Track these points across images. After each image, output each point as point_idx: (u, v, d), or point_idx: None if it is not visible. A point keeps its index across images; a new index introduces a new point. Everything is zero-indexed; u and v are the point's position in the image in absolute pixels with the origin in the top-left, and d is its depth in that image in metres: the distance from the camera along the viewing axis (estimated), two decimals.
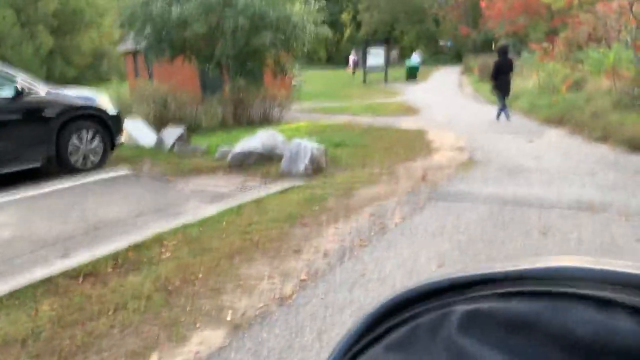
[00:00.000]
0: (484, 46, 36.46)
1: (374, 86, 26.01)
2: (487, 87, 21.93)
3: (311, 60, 54.64)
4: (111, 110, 7.78)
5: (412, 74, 27.82)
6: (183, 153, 8.70)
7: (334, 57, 54.12)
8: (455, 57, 41.17)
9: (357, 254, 3.94)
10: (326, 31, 13.53)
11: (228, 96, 13.12)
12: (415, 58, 28.18)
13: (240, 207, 5.23)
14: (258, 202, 5.51)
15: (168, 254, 4.03)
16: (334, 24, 55.25)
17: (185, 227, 4.63)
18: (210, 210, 5.29)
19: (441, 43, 44.40)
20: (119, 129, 7.92)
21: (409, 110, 15.63)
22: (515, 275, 0.30)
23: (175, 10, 11.59)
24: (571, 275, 0.29)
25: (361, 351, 0.31)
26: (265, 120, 13.56)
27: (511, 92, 12.25)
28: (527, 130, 10.75)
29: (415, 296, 0.32)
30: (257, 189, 6.61)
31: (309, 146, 7.31)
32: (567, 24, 14.32)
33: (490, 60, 26.01)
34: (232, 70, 12.73)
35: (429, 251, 3.89)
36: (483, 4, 29.11)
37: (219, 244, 4.17)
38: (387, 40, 28.65)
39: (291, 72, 13.83)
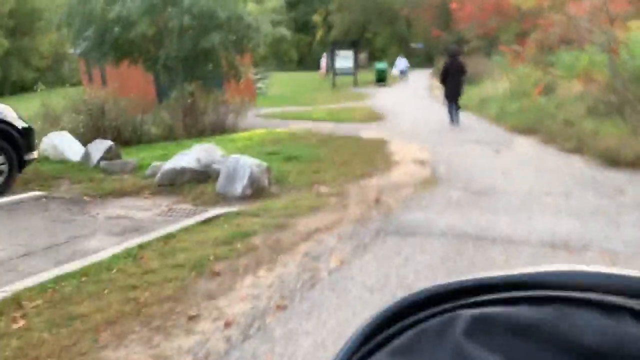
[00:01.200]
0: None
1: (343, 90, 25.15)
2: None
3: (282, 62, 53.80)
4: (19, 123, 6.70)
5: (381, 78, 27.03)
6: (111, 169, 7.64)
7: (306, 60, 53.27)
8: (427, 59, 40.60)
9: (270, 323, 2.99)
10: (284, 32, 12.56)
11: (176, 103, 12.06)
12: (401, 64, 27.44)
13: (142, 247, 4.23)
14: (168, 239, 4.52)
15: (20, 324, 3.03)
16: (306, 25, 54.43)
17: (61, 278, 3.62)
18: (108, 250, 4.28)
19: (413, 45, 43.78)
20: (31, 145, 6.84)
21: (375, 116, 14.78)
22: (521, 280, 0.30)
23: (115, 9, 10.50)
24: (577, 281, 0.28)
25: (367, 355, 0.30)
26: (220, 129, 12.54)
27: (462, 95, 11.88)
28: (495, 139, 9.95)
29: (421, 301, 0.31)
30: (183, 217, 5.62)
31: (247, 163, 6.34)
32: (538, 25, 13.64)
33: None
34: (180, 74, 11.67)
35: (360, 318, 2.97)
36: (454, 6, 28.49)
37: (92, 307, 3.17)
38: (355, 42, 27.78)
39: (247, 75, 12.80)
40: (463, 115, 13.72)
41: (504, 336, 0.27)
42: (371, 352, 0.30)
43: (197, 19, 10.64)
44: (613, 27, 9.43)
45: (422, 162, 8.03)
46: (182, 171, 6.83)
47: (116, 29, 11.30)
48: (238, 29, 11.26)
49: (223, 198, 6.35)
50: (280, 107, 18.82)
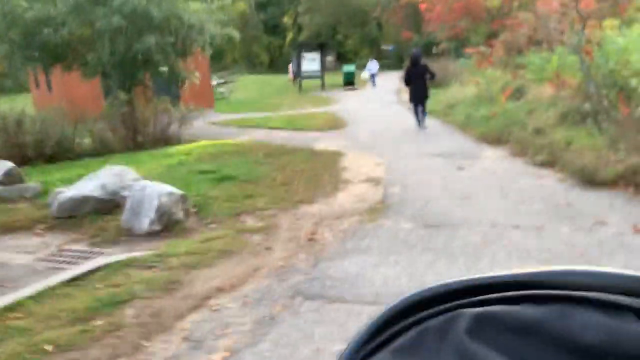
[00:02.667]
0: (426, 50, 35.12)
1: (309, 94, 24.02)
2: None
3: (253, 65, 52.48)
4: None
5: (349, 81, 25.94)
6: (8, 196, 6.40)
7: (277, 62, 52.00)
8: (398, 61, 39.70)
9: None
10: (233, 33, 11.38)
11: (111, 112, 10.79)
12: (373, 66, 26.36)
13: None
14: (10, 310, 3.32)
15: None
16: (276, 27, 53.15)
17: None
18: None
19: (383, 47, 42.88)
20: None
21: (336, 123, 13.68)
22: (524, 280, 0.29)
23: (37, 8, 9.21)
24: (579, 280, 0.28)
25: (370, 354, 0.30)
26: (162, 141, 11.30)
27: (428, 99, 11.41)
28: (461, 150, 8.92)
29: (424, 300, 0.31)
30: (69, 263, 4.45)
31: (155, 193, 5.17)
32: (507, 26, 12.71)
33: (429, 64, 24.60)
34: (115, 80, 10.41)
35: None
36: (423, 7, 27.58)
37: None
38: (322, 44, 26.62)
39: (193, 80, 11.60)
40: (431, 122, 12.77)
41: (507, 335, 0.27)
42: (374, 351, 0.30)
43: (129, 19, 9.41)
44: (585, 27, 8.49)
45: (375, 181, 6.95)
46: (84, 200, 5.63)
47: (45, 31, 10.00)
48: (178, 30, 10.05)
49: (128, 234, 5.18)
50: (240, 114, 17.62)
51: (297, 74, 25.71)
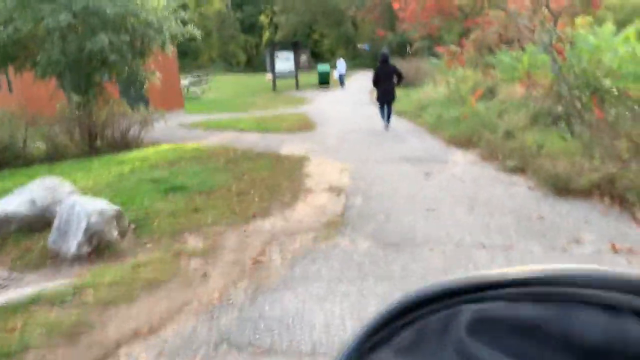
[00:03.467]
0: (400, 49, 34.72)
1: (283, 94, 23.38)
2: (399, 92, 19.85)
3: (230, 64, 51.56)
4: None
5: (323, 80, 25.33)
6: None
7: (254, 61, 51.20)
8: (374, 60, 39.20)
9: None
10: (194, 32, 10.68)
11: (65, 116, 10.03)
12: (341, 66, 25.67)
13: None
14: None
15: None
16: (253, 26, 52.27)
17: None
18: None
19: (359, 46, 42.36)
20: None
21: (307, 124, 13.08)
22: (525, 278, 0.29)
23: None
24: (579, 280, 0.28)
25: (371, 350, 0.30)
26: (123, 145, 10.60)
27: (395, 100, 11.19)
28: (429, 155, 8.40)
29: (425, 298, 0.31)
30: None
31: (85, 211, 4.52)
32: (478, 24, 12.24)
33: (402, 63, 24.08)
34: (69, 81, 9.65)
35: None
36: (396, 5, 27.05)
37: None
38: (295, 43, 25.93)
39: (151, 81, 10.87)
40: (401, 124, 12.28)
41: (506, 333, 0.26)
42: (376, 347, 0.29)
43: (81, 17, 8.67)
44: (556, 25, 8.02)
45: (338, 190, 6.38)
46: (7, 218, 4.95)
47: None
48: (135, 28, 9.34)
49: (55, 257, 4.53)
50: (211, 114, 16.91)
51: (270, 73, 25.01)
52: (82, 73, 9.67)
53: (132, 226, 5.05)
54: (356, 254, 4.21)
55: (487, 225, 4.79)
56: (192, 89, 23.22)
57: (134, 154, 9.21)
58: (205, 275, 3.90)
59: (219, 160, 8.34)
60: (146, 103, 16.27)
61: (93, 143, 10.16)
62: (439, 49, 12.55)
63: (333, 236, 4.67)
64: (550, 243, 4.24)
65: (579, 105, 7.42)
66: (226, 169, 7.70)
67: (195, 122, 14.83)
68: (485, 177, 6.75)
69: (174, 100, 17.71)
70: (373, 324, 0.31)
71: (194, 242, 4.67)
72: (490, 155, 7.96)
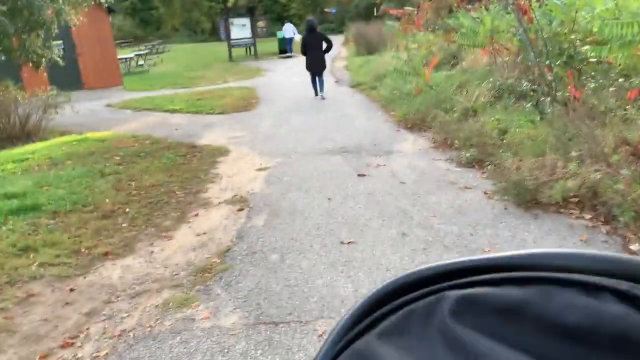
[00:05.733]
0: (368, 12, 32.62)
1: (239, 64, 21.37)
2: (360, 60, 18.05)
3: (195, 33, 48.74)
4: None
5: (284, 49, 23.30)
6: None
7: (219, 29, 48.47)
8: (341, 25, 37.06)
9: None
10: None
11: None
12: (288, 30, 23.49)
13: None
14: None
15: None
16: None
17: None
18: None
19: (326, 10, 40.06)
20: None
21: (248, 102, 11.35)
22: (506, 263, 0.29)
23: None
24: (560, 262, 0.28)
25: (355, 338, 0.29)
26: (24, 135, 8.83)
27: (326, 69, 10.88)
28: (372, 140, 6.83)
29: (409, 283, 0.30)
30: None
31: None
32: None
33: (365, 28, 22.17)
34: None
35: None
36: None
37: None
38: (252, 9, 23.72)
39: (50, 59, 9.02)
40: (352, 98, 10.67)
41: (489, 316, 0.26)
42: (360, 334, 0.29)
43: None
44: None
45: (242, 203, 4.81)
46: None
47: None
48: None
49: None
50: (151, 91, 14.96)
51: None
52: None
53: None
54: (211, 340, 2.66)
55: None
56: (140, 62, 21.08)
57: (17, 150, 7.47)
58: None
59: (114, 158, 6.67)
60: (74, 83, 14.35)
61: None
62: (390, 11, 10.79)
63: (192, 302, 3.10)
64: None
65: (549, 78, 5.86)
66: (114, 171, 6.04)
67: (127, 101, 12.96)
68: (433, 175, 5.21)
69: (111, 77, 15.75)
70: (358, 311, 0.30)
71: None
72: (444, 141, 6.44)
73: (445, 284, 0.29)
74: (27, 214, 4.65)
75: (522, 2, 5.86)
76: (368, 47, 19.68)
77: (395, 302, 0.30)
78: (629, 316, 0.24)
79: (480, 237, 3.66)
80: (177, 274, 3.51)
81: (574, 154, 4.09)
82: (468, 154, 5.61)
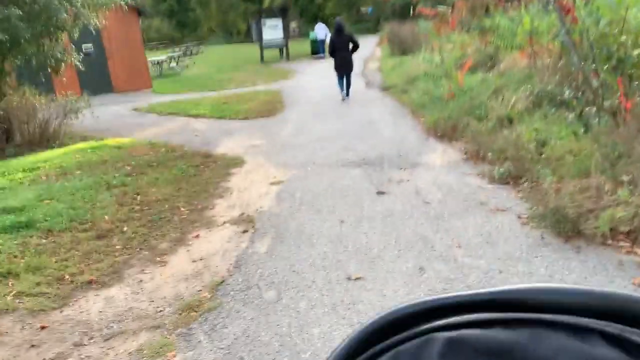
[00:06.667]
0: (404, 12, 31.89)
1: (271, 66, 21.08)
2: (394, 61, 17.45)
3: (230, 35, 48.93)
4: None
5: (316, 50, 22.87)
6: None
7: (252, 31, 48.51)
8: (377, 25, 36.41)
9: None
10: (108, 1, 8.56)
11: None
12: (320, 31, 23.02)
13: None
14: None
15: None
16: None
17: None
18: None
19: (362, 10, 39.45)
20: None
21: (272, 107, 10.96)
22: (492, 298, 0.28)
23: None
24: (547, 304, 0.27)
25: None
26: (44, 140, 8.68)
27: (353, 70, 10.55)
28: (397, 151, 6.32)
29: (393, 322, 0.29)
30: None
31: None
32: None
33: (400, 28, 21.51)
34: None
35: None
36: None
37: None
38: (284, 9, 23.40)
39: (68, 63, 8.84)
40: (382, 103, 10.15)
41: (479, 358, 0.25)
42: None
43: None
44: None
45: (247, 224, 4.40)
46: None
47: None
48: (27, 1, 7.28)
49: None
50: (178, 94, 14.79)
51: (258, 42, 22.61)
52: None
53: None
54: None
55: None
56: (172, 64, 21.04)
57: (31, 158, 7.28)
58: None
59: (124, 168, 6.37)
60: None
61: (3, 144, 8.24)
62: (424, 11, 10.22)
63: (169, 349, 2.69)
64: None
65: (595, 84, 5.23)
66: (122, 182, 5.73)
67: (154, 105, 12.78)
68: (462, 194, 4.68)
69: (140, 80, 15.66)
70: (345, 351, 0.28)
71: None
72: (477, 153, 5.87)
73: (432, 325, 0.28)
74: (19, 232, 4.36)
75: (565, 1, 5.24)
76: (402, 48, 19.10)
77: (382, 344, 0.28)
78: None
79: (511, 275, 3.12)
80: (161, 311, 3.11)
81: (625, 177, 3.50)
82: (502, 169, 5.04)
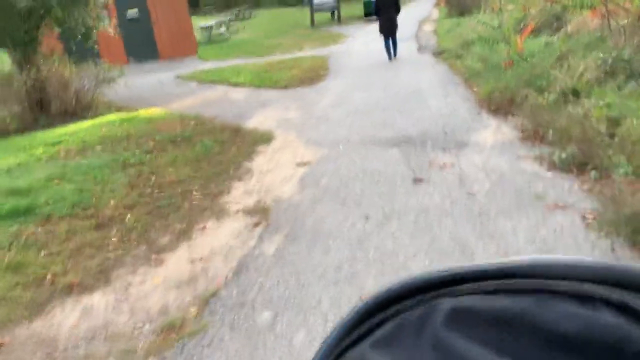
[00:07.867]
0: None
1: (321, 30, 20.23)
2: (450, 23, 16.18)
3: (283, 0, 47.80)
4: None
5: (369, 11, 21.70)
6: None
7: None
8: None
9: None
10: None
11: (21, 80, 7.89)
12: None
13: None
14: None
15: None
16: None
17: None
18: None
19: None
20: None
21: (316, 75, 10.28)
22: (499, 269, 0.28)
23: None
24: (554, 270, 0.27)
25: (349, 347, 0.28)
26: (78, 111, 8.43)
27: (398, 30, 10.45)
28: (444, 127, 5.55)
29: (401, 292, 0.29)
30: None
31: None
32: None
33: None
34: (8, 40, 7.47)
35: None
36: None
37: None
38: None
39: (98, 30, 8.46)
40: (433, 69, 9.26)
41: (483, 326, 0.25)
42: (353, 344, 0.28)
43: None
44: None
45: (261, 215, 3.84)
46: None
47: None
48: None
49: None
50: (224, 61, 14.31)
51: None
52: (13, 27, 7.40)
53: None
54: None
55: None
56: (220, 29, 20.52)
57: (58, 130, 7.00)
58: None
59: (147, 144, 5.93)
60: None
61: (37, 114, 8.03)
62: None
63: None
64: None
65: None
66: (140, 161, 5.30)
67: (196, 72, 12.36)
68: (515, 183, 3.91)
69: (185, 46, 15.26)
70: (351, 319, 0.29)
71: None
72: (535, 131, 5.02)
73: (437, 293, 0.28)
74: (16, 219, 3.99)
75: None
76: (460, 9, 17.68)
77: (389, 311, 0.29)
78: (622, 326, 0.24)
79: None
80: (139, 328, 2.62)
81: None
82: (564, 154, 4.21)
